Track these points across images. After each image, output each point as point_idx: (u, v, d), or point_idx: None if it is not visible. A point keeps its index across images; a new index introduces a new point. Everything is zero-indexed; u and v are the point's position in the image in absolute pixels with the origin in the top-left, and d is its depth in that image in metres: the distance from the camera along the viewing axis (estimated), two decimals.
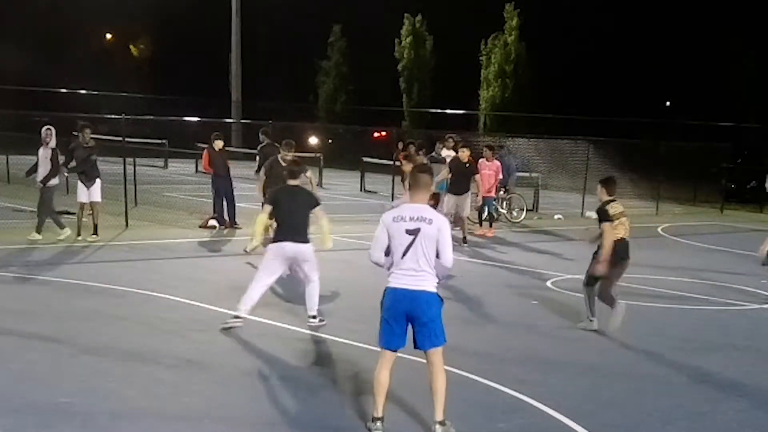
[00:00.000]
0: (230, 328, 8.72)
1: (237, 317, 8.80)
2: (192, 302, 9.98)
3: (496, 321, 9.88)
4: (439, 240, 5.97)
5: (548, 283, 12.20)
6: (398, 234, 5.98)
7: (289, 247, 8.69)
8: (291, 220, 8.74)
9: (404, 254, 5.97)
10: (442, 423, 6.05)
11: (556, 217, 21.41)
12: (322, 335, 8.75)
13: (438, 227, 5.97)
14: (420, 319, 6.00)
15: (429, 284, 6.01)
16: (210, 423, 6.17)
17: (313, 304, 9.02)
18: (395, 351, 6.09)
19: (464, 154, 15.94)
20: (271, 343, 8.44)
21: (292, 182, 9.04)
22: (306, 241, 8.78)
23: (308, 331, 8.86)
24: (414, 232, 5.94)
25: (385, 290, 6.10)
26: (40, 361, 7.46)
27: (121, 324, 8.93)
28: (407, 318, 6.01)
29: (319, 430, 6.23)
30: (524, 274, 13.01)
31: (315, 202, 9.01)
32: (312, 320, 9.02)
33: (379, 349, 6.18)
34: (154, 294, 10.34)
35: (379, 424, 6.04)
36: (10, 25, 43.75)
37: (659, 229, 19.99)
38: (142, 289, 10.61)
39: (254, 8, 43.40)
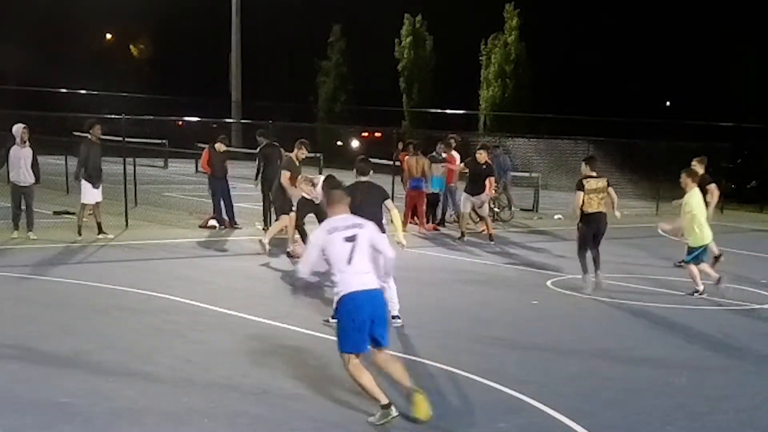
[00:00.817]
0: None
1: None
2: (192, 302, 9.98)
3: (496, 321, 9.88)
4: (373, 239, 6.44)
5: (548, 283, 12.19)
6: (338, 244, 6.30)
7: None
8: (364, 213, 8.68)
9: (350, 260, 6.28)
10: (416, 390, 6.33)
11: (556, 217, 21.40)
12: (324, 335, 8.74)
13: (369, 229, 6.47)
14: (381, 316, 6.36)
15: (376, 283, 6.41)
16: (210, 423, 6.17)
17: (394, 304, 8.96)
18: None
19: (481, 156, 16.24)
20: (271, 343, 8.44)
21: (363, 178, 9.27)
22: (383, 232, 8.69)
23: (308, 331, 8.85)
24: (352, 239, 6.32)
25: (341, 298, 6.27)
26: (40, 361, 7.46)
27: (121, 324, 8.93)
28: (371, 319, 6.27)
29: (319, 429, 6.23)
30: (524, 274, 13.01)
31: (386, 195, 9.46)
32: (398, 320, 9.04)
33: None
34: (154, 294, 10.34)
35: (393, 408, 6.23)
36: (10, 25, 43.74)
37: (659, 230, 19.97)
38: (142, 289, 10.61)
39: (254, 8, 43.40)
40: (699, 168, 13.84)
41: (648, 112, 38.19)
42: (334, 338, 8.58)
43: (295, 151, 13.82)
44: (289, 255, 13.17)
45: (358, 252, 6.29)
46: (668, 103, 49.15)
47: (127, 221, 16.22)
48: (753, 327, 10.20)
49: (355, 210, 8.62)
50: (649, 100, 44.80)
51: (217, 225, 16.55)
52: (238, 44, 43.37)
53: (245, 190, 18.08)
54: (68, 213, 15.88)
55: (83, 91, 34.14)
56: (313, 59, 47.79)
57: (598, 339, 9.19)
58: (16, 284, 10.83)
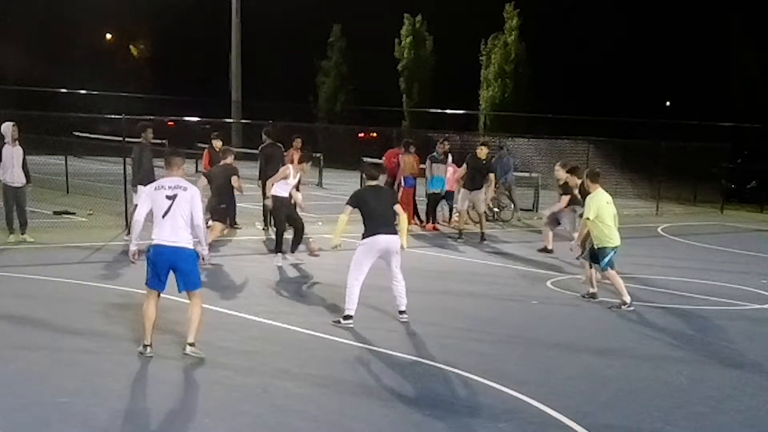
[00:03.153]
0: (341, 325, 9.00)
1: (347, 317, 9.04)
2: None
3: (496, 321, 9.88)
4: (192, 204, 7.68)
5: (548, 283, 12.20)
6: (159, 200, 7.63)
7: (383, 238, 9.05)
8: (379, 215, 9.16)
9: (164, 216, 7.57)
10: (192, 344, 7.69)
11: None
12: (320, 334, 8.75)
13: (191, 193, 7.73)
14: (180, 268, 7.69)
15: (185, 241, 7.63)
16: (210, 423, 6.17)
17: (404, 299, 9.34)
18: (158, 292, 7.82)
19: (482, 151, 16.38)
20: (271, 343, 8.44)
21: (373, 182, 9.60)
22: (396, 232, 9.26)
23: (308, 331, 8.86)
24: (172, 198, 7.59)
25: (149, 246, 7.65)
26: (40, 361, 7.46)
27: (121, 324, 8.92)
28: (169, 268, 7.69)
29: (320, 429, 6.23)
30: (524, 274, 13.01)
31: (396, 199, 9.87)
32: (404, 316, 9.32)
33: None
34: None
35: (149, 349, 7.62)
36: (11, 25, 43.76)
37: (659, 229, 19.99)
38: (142, 289, 10.57)
39: (254, 8, 43.40)
40: (561, 173, 13.44)
41: (648, 112, 38.18)
42: (335, 338, 8.65)
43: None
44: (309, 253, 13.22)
45: (172, 211, 7.56)
46: (668, 103, 49.15)
47: (127, 221, 16.20)
48: (753, 327, 10.20)
49: (369, 213, 9.05)
50: (649, 100, 44.79)
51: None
52: (238, 44, 43.35)
53: (246, 190, 18.04)
54: (68, 213, 15.88)
55: (83, 91, 34.16)
56: (313, 59, 47.79)
57: (598, 339, 9.20)
58: (16, 284, 10.83)
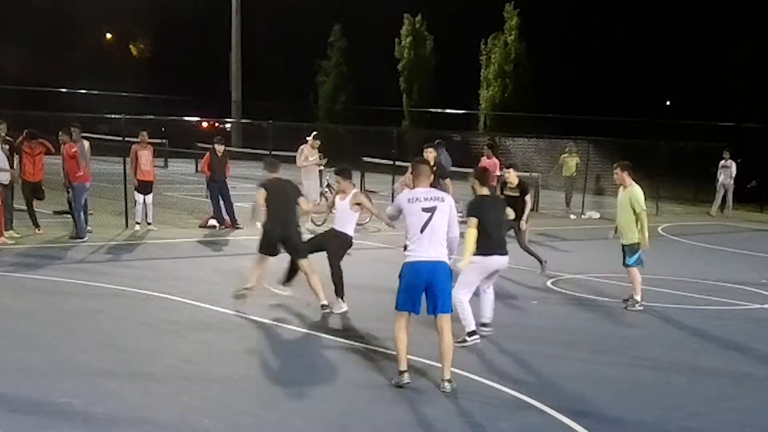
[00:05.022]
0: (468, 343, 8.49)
1: (471, 333, 8.55)
2: (192, 302, 9.98)
3: (496, 321, 9.85)
4: None
5: (548, 283, 12.20)
6: None
7: (497, 260, 8.63)
8: (496, 232, 8.60)
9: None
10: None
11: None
12: (323, 335, 8.75)
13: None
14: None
15: None
16: (210, 423, 6.17)
17: (490, 312, 9.01)
18: None
19: (430, 154, 14.88)
20: (271, 344, 8.44)
21: (485, 191, 8.72)
22: (506, 253, 8.74)
23: (308, 331, 8.85)
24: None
25: None
26: (40, 361, 7.46)
27: (121, 324, 8.93)
28: None
29: (320, 429, 6.23)
30: (524, 274, 13.00)
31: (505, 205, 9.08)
32: (487, 329, 8.95)
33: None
34: (154, 294, 10.34)
35: (406, 376, 7.00)
36: (11, 25, 43.77)
37: (659, 229, 19.98)
38: (142, 289, 10.61)
39: (254, 8, 43.41)
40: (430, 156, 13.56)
41: (648, 112, 38.19)
42: (336, 338, 8.64)
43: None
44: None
45: None
46: (668, 103, 49.14)
47: (127, 221, 16.23)
48: (753, 327, 10.19)
49: (491, 227, 8.55)
50: (649, 100, 44.78)
51: (217, 225, 16.56)
52: (238, 44, 43.37)
53: (246, 190, 18.07)
54: (68, 213, 15.88)
55: (83, 91, 34.17)
56: (313, 59, 47.79)
57: (598, 339, 9.19)
58: (16, 284, 10.83)
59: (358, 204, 9.99)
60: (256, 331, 8.88)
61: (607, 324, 10.00)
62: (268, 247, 9.89)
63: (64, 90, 34.39)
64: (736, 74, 38.75)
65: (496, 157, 18.61)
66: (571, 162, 23.02)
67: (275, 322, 9.24)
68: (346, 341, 8.54)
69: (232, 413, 6.37)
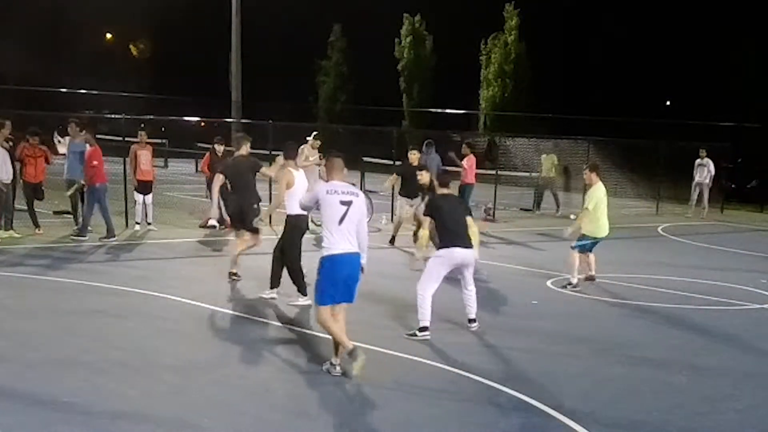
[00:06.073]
0: (417, 338, 8.67)
1: (423, 329, 8.70)
2: (192, 302, 9.98)
3: (496, 321, 9.88)
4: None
5: (548, 283, 12.19)
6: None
7: (459, 252, 8.83)
8: (455, 227, 8.91)
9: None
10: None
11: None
12: (323, 335, 8.74)
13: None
14: None
15: None
16: (210, 423, 6.17)
17: (474, 307, 9.16)
18: None
19: (414, 156, 15.52)
20: (271, 343, 8.43)
21: (445, 191, 9.38)
22: (471, 245, 8.95)
23: (309, 331, 8.85)
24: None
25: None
26: (40, 361, 7.46)
27: (121, 324, 8.93)
28: None
29: (320, 429, 6.23)
30: (524, 274, 13.01)
31: (469, 210, 9.35)
32: (474, 324, 9.12)
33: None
34: (154, 294, 10.34)
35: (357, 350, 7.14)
36: (11, 25, 43.76)
37: (659, 229, 20.00)
38: (142, 289, 10.62)
39: (254, 8, 43.38)
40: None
41: (648, 112, 38.20)
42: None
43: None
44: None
45: None
46: (668, 103, 49.15)
47: (127, 221, 16.23)
48: (753, 327, 10.19)
49: (449, 221, 8.89)
50: (649, 100, 44.79)
51: (217, 225, 16.55)
52: (238, 44, 43.27)
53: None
54: (68, 213, 15.89)
55: (83, 91, 34.16)
56: (313, 59, 47.82)
57: (598, 339, 9.19)
58: (17, 284, 10.83)
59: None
60: (257, 331, 8.87)
61: (607, 324, 10.01)
62: (234, 220, 11.45)
63: (64, 90, 34.38)
64: (736, 74, 38.77)
65: (474, 155, 19.00)
66: (547, 162, 22.83)
67: (275, 322, 9.24)
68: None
69: (232, 413, 6.38)
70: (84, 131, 14.81)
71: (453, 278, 9.18)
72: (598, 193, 11.70)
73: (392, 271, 12.61)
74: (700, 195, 23.64)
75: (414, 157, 15.56)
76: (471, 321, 9.19)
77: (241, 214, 11.06)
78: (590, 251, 12.05)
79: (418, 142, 18.93)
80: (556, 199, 22.57)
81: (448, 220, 8.90)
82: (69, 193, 14.93)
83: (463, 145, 19.20)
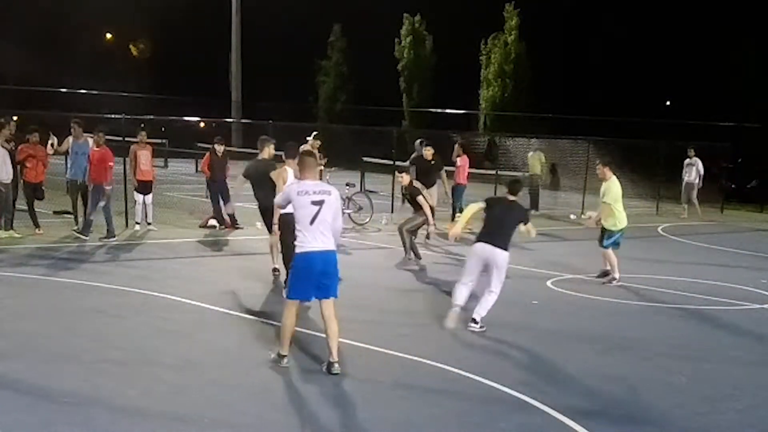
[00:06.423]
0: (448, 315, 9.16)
1: (455, 306, 9.19)
2: (192, 302, 9.98)
3: (496, 320, 9.87)
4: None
5: (548, 283, 12.19)
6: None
7: (482, 246, 9.15)
8: (495, 228, 9.24)
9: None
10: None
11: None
12: (323, 335, 8.73)
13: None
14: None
15: None
16: (210, 423, 6.17)
17: (482, 310, 9.21)
18: None
19: (429, 152, 16.70)
20: (271, 343, 8.43)
21: (511, 197, 9.56)
22: (501, 246, 9.15)
23: (308, 331, 8.85)
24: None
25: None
26: (40, 361, 7.46)
27: (121, 324, 8.93)
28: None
29: (320, 429, 6.23)
30: (524, 274, 13.00)
31: (526, 218, 9.61)
32: (473, 325, 9.14)
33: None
34: (154, 294, 10.34)
35: (285, 360, 7.44)
36: (11, 25, 43.78)
37: (659, 229, 20.00)
38: (142, 289, 10.61)
39: (254, 8, 43.41)
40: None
41: (648, 112, 38.20)
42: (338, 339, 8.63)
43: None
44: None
45: None
46: (668, 103, 49.16)
47: (127, 221, 16.23)
48: (753, 327, 10.19)
49: (492, 221, 9.27)
50: (649, 100, 44.79)
51: (217, 225, 16.56)
52: (238, 44, 43.38)
53: (246, 190, 18.05)
54: (68, 213, 15.90)
55: (83, 91, 34.16)
56: (313, 59, 47.83)
57: (598, 339, 9.19)
58: (17, 284, 10.83)
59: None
60: (257, 331, 8.87)
61: (608, 324, 10.00)
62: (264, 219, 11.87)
63: (64, 90, 34.37)
64: (736, 74, 38.78)
65: (467, 155, 19.13)
66: (533, 161, 22.67)
67: (276, 322, 9.22)
68: (346, 341, 8.53)
69: (232, 413, 6.37)
70: (102, 134, 14.81)
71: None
72: (615, 187, 12.18)
73: (393, 270, 12.61)
74: (690, 195, 23.33)
75: (428, 152, 16.59)
76: (472, 321, 9.17)
77: (265, 212, 11.53)
78: (619, 245, 12.45)
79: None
80: (536, 198, 22.27)
81: (493, 220, 9.25)
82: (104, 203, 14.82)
83: (456, 145, 19.11)
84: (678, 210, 24.50)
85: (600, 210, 12.33)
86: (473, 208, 9.62)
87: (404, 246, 12.87)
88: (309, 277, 7.24)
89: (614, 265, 12.23)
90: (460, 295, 9.19)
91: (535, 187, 22.39)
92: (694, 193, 23.28)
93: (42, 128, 15.62)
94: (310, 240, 7.23)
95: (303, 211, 7.26)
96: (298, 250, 7.29)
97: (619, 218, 12.25)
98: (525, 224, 9.49)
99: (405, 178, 13.01)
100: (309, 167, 7.52)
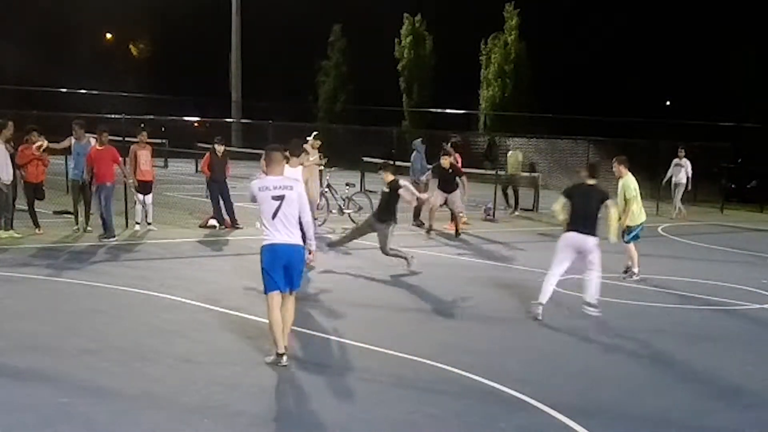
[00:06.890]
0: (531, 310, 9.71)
1: (538, 304, 9.77)
2: (192, 302, 9.98)
3: (496, 320, 9.88)
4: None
5: None
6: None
7: (573, 236, 9.80)
8: (582, 213, 9.80)
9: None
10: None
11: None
12: (323, 335, 8.75)
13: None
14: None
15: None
16: (210, 423, 6.17)
17: (595, 292, 9.96)
18: None
19: (446, 161, 17.14)
20: (270, 343, 8.42)
21: (590, 181, 10.06)
22: (592, 233, 9.81)
23: (308, 331, 8.85)
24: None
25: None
26: (40, 361, 7.46)
27: (121, 324, 8.93)
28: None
29: (320, 429, 6.23)
30: (524, 274, 13.00)
31: (605, 199, 10.06)
32: (591, 309, 9.91)
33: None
34: (154, 294, 10.34)
35: (284, 359, 7.46)
36: (11, 25, 43.77)
37: (659, 229, 19.99)
38: (142, 289, 10.61)
39: (254, 8, 43.40)
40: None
41: (648, 112, 38.18)
42: (335, 338, 8.64)
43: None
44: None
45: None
46: (668, 103, 49.15)
47: (127, 221, 16.23)
48: (753, 327, 10.19)
49: (576, 209, 9.82)
50: (649, 100, 44.77)
51: (217, 224, 16.56)
52: (238, 44, 43.36)
53: (246, 190, 18.07)
54: (68, 213, 15.91)
55: (83, 91, 34.15)
56: (313, 59, 47.80)
57: (598, 339, 9.19)
58: (17, 284, 10.83)
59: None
60: (257, 331, 8.87)
61: (608, 324, 10.00)
62: None
63: (64, 90, 34.36)
64: (736, 74, 38.77)
65: (459, 155, 18.98)
66: (511, 159, 22.47)
67: None
68: (346, 341, 8.54)
69: (232, 413, 6.37)
70: (105, 134, 14.81)
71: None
72: (632, 182, 12.42)
73: (392, 270, 12.61)
74: (676, 195, 22.84)
75: (446, 161, 17.17)
76: (587, 304, 9.89)
77: None
78: (639, 238, 12.79)
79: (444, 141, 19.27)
80: (516, 198, 22.01)
81: (576, 208, 9.82)
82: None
83: (448, 145, 18.78)
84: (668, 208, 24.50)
85: (627, 206, 12.47)
86: (559, 203, 10.08)
87: (400, 258, 12.75)
88: (274, 267, 7.46)
89: (634, 260, 12.58)
90: (547, 292, 9.77)
91: (515, 186, 22.25)
92: (680, 194, 22.83)
93: (40, 128, 15.62)
94: (273, 233, 7.46)
95: (265, 206, 7.50)
96: (262, 243, 7.54)
97: (638, 214, 12.56)
98: (607, 204, 9.94)
99: (387, 176, 12.99)
100: (274, 162, 7.65)
